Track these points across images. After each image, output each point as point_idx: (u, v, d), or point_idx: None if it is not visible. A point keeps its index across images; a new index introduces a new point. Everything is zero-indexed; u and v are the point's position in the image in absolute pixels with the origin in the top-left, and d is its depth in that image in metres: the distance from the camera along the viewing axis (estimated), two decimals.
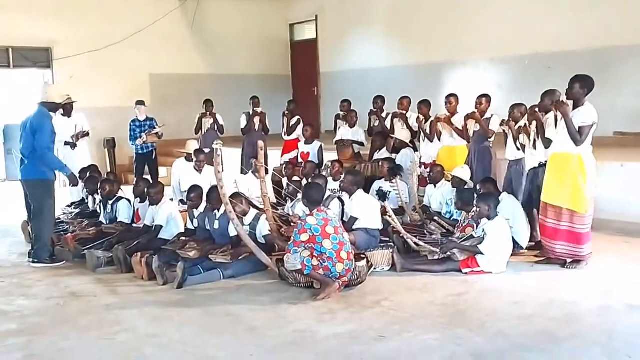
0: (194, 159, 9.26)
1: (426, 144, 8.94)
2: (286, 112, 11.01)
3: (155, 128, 11.23)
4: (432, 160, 8.67)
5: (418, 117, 8.99)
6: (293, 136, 10.75)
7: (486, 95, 8.07)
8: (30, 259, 7.19)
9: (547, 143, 6.45)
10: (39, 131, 7.03)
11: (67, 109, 10.22)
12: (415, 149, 9.26)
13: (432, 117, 8.78)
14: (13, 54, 13.42)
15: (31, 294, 6.12)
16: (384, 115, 9.82)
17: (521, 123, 7.08)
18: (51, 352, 4.63)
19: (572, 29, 11.32)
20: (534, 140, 6.79)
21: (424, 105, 8.99)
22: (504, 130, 7.34)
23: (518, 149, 7.12)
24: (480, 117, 7.91)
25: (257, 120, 10.96)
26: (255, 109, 11.05)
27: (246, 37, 16.19)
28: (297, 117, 10.89)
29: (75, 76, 13.30)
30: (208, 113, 11.41)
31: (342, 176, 7.54)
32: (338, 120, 10.71)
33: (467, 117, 8.08)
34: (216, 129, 11.30)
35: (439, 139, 8.65)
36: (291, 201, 8.22)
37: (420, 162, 8.71)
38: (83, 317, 5.36)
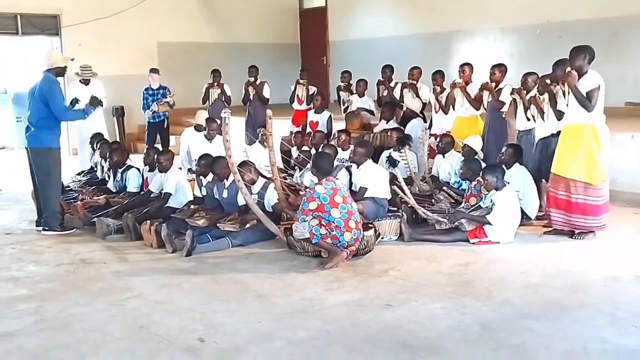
0: (206, 128, 9.23)
1: (440, 115, 8.86)
2: (301, 81, 10.85)
3: (167, 97, 11.21)
4: (445, 131, 8.59)
5: (434, 88, 8.92)
6: (304, 106, 10.69)
7: (500, 65, 7.92)
8: (41, 227, 7.24)
9: (560, 115, 6.38)
10: (51, 97, 7.00)
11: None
12: (425, 120, 9.20)
13: (447, 88, 8.69)
14: (21, 21, 13.33)
15: (42, 261, 6.18)
16: (392, 85, 9.76)
17: (532, 93, 7.00)
18: (61, 317, 4.68)
19: None
20: (543, 112, 6.74)
21: (439, 75, 8.91)
22: (514, 100, 7.26)
23: (528, 120, 7.05)
24: (492, 87, 7.82)
25: (251, 90, 10.93)
26: (249, 78, 11.00)
27: (254, 5, 16.01)
28: (315, 88, 10.85)
29: (83, 44, 13.22)
30: (215, 83, 11.30)
31: (351, 146, 7.51)
32: (340, 92, 10.66)
33: (482, 87, 7.99)
34: (223, 99, 11.25)
35: (454, 108, 8.57)
36: (299, 170, 8.22)
37: (430, 134, 8.65)
38: (93, 284, 5.42)
